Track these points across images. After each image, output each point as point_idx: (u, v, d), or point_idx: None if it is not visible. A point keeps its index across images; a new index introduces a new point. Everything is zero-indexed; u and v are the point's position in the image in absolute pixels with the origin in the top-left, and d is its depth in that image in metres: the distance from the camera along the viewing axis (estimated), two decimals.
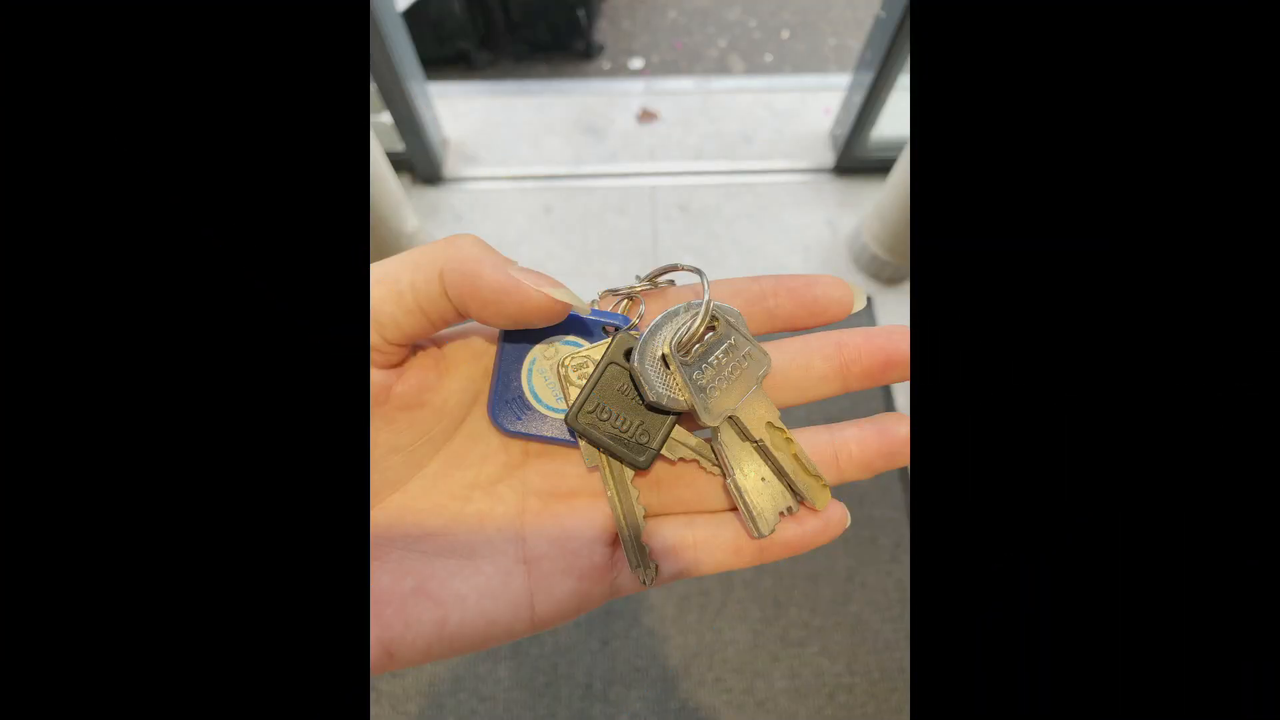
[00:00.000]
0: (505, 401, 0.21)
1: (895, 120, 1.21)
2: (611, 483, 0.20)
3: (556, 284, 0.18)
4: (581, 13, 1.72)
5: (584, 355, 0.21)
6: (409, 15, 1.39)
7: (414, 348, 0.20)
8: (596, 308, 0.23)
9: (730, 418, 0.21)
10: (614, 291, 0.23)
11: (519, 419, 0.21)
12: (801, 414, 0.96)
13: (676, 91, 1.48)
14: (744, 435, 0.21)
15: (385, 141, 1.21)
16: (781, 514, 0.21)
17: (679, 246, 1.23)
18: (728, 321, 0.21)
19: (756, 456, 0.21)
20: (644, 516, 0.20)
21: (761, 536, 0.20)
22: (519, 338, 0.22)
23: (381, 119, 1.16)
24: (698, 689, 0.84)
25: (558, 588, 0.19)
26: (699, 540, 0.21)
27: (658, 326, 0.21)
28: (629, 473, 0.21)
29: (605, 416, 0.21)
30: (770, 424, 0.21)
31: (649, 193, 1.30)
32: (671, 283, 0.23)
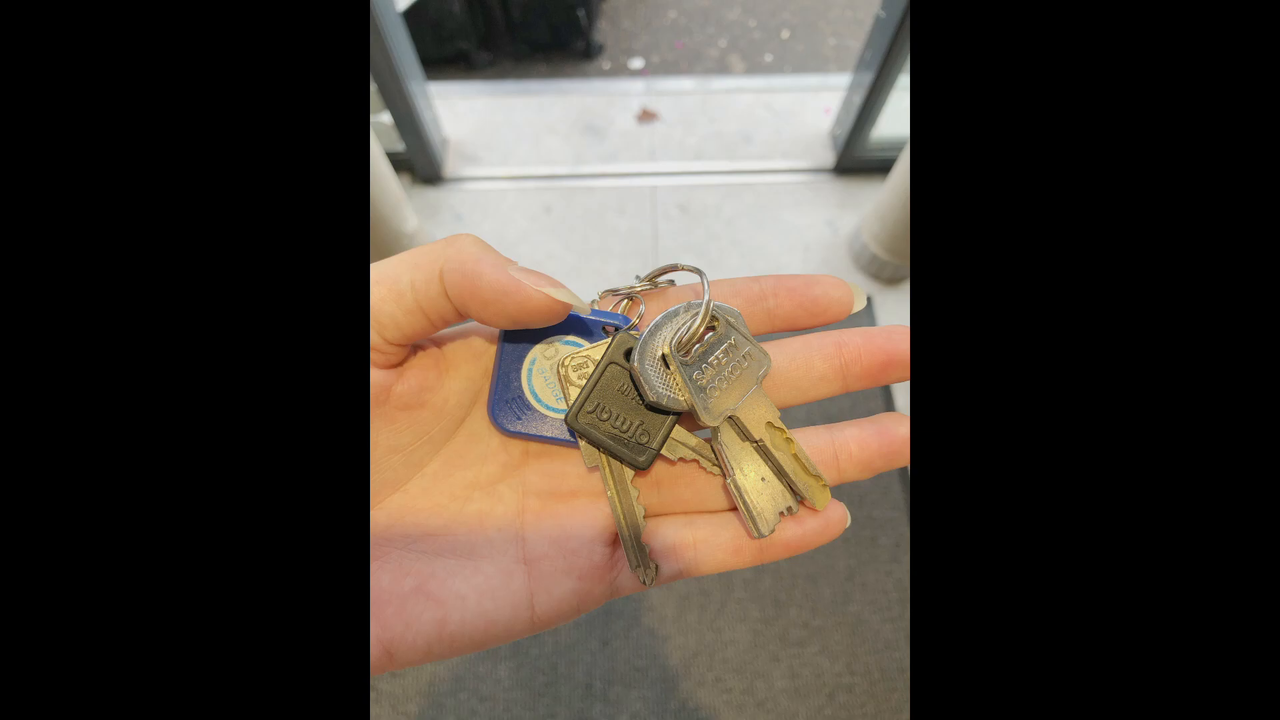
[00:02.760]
0: (505, 401, 0.21)
1: (895, 120, 1.21)
2: (611, 483, 0.20)
3: (556, 284, 0.18)
4: (581, 13, 1.72)
5: (584, 355, 0.21)
6: (409, 15, 1.39)
7: (414, 348, 0.20)
8: (596, 308, 0.23)
9: (730, 418, 0.21)
10: (614, 291, 0.23)
11: (519, 419, 0.21)
12: (801, 414, 0.96)
13: (676, 91, 1.49)
14: (744, 435, 0.21)
15: (385, 141, 1.21)
16: (781, 514, 0.21)
17: (679, 246, 1.23)
18: (728, 321, 0.21)
19: (756, 456, 0.21)
20: (644, 516, 0.20)
21: (761, 536, 0.20)
22: (519, 338, 0.22)
23: (381, 119, 1.16)
24: (698, 689, 0.84)
25: (558, 588, 0.19)
26: (699, 540, 0.21)
27: (658, 326, 0.21)
28: (629, 473, 0.21)
29: (605, 416, 0.21)
30: (770, 424, 0.21)
31: (649, 193, 1.30)
32: (671, 283, 0.23)
